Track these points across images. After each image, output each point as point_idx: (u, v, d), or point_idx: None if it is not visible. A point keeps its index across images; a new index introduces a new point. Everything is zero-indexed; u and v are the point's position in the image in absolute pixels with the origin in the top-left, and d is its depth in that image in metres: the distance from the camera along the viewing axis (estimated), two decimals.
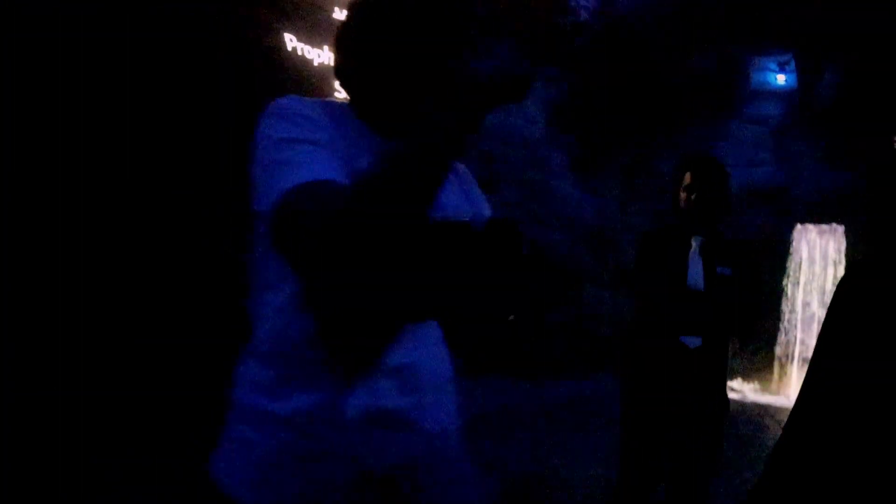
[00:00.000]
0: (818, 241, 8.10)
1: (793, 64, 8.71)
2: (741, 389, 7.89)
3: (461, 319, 1.08)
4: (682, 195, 2.74)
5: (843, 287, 1.13)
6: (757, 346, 7.90)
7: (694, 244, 2.71)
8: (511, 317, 1.12)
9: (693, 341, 2.61)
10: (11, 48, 3.01)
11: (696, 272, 2.67)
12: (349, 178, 0.94)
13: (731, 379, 7.99)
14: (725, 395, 2.76)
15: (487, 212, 1.23)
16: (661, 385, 2.66)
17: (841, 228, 7.92)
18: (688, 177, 2.73)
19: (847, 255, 7.77)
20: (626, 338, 2.98)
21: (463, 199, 1.19)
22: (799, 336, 8.06)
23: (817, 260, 8.11)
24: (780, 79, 8.81)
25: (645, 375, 2.72)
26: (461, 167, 1.27)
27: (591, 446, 4.45)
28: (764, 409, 6.86)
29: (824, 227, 8.04)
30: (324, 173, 0.93)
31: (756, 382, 8.05)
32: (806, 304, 8.15)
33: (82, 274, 3.21)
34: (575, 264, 7.23)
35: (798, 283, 8.23)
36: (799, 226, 8.19)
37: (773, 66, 8.83)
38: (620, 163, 8.17)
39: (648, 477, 2.73)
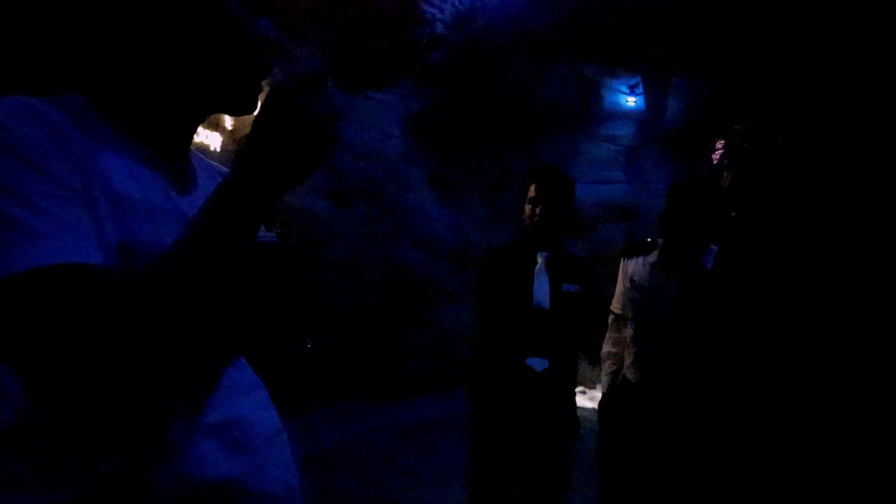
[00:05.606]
0: None
1: (641, 87, 9.14)
2: (597, 398, 8.07)
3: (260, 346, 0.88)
4: (528, 208, 2.64)
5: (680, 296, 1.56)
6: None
7: (540, 260, 2.60)
8: (309, 345, 0.98)
9: (539, 363, 2.48)
10: None
11: (542, 290, 2.55)
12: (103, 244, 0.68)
13: (590, 389, 8.21)
14: (575, 415, 2.68)
15: None
16: (508, 412, 2.52)
17: None
18: (532, 189, 2.63)
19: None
20: (471, 361, 2.82)
21: None
22: None
23: None
24: (630, 101, 9.20)
25: (491, 401, 2.58)
26: (197, 156, 0.99)
27: (441, 469, 4.31)
28: None
29: None
30: (74, 250, 0.63)
31: None
32: None
33: None
34: (434, 282, 7.10)
35: None
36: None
37: (623, 88, 9.23)
38: (481, 180, 8.16)
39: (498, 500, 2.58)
